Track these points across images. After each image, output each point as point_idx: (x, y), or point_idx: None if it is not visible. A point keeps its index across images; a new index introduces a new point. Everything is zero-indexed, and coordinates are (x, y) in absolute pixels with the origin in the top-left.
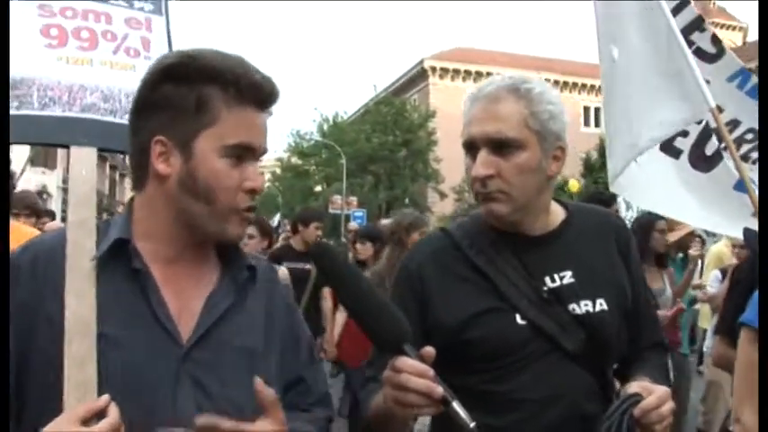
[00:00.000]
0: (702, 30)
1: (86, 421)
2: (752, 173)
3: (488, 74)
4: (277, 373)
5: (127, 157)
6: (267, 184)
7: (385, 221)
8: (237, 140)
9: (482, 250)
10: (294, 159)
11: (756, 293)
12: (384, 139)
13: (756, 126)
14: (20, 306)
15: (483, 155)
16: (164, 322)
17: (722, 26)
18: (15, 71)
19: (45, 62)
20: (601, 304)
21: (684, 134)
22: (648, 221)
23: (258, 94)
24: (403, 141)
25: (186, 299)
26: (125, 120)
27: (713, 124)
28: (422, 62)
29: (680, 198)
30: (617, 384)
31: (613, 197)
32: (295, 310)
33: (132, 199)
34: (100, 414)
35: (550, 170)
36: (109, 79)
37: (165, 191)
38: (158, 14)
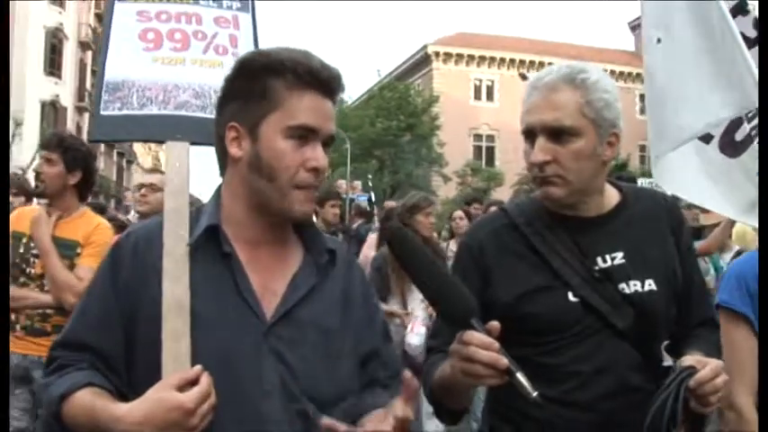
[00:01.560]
0: (745, 13)
1: (181, 389)
2: None
3: (491, 58)
4: (352, 348)
5: (133, 144)
6: None
7: (390, 203)
8: (298, 122)
9: (538, 230)
10: None
11: (731, 272)
12: (388, 124)
13: None
14: (124, 286)
15: (541, 142)
16: (248, 300)
17: None
18: (117, 74)
19: (143, 64)
20: (650, 284)
21: None
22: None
23: (316, 78)
24: (407, 126)
25: (270, 279)
26: (214, 115)
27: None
28: (425, 47)
29: (706, 185)
30: (668, 359)
31: (633, 178)
32: (370, 289)
33: (220, 186)
34: (194, 382)
35: (605, 155)
36: (200, 77)
37: (239, 173)
38: (245, 11)
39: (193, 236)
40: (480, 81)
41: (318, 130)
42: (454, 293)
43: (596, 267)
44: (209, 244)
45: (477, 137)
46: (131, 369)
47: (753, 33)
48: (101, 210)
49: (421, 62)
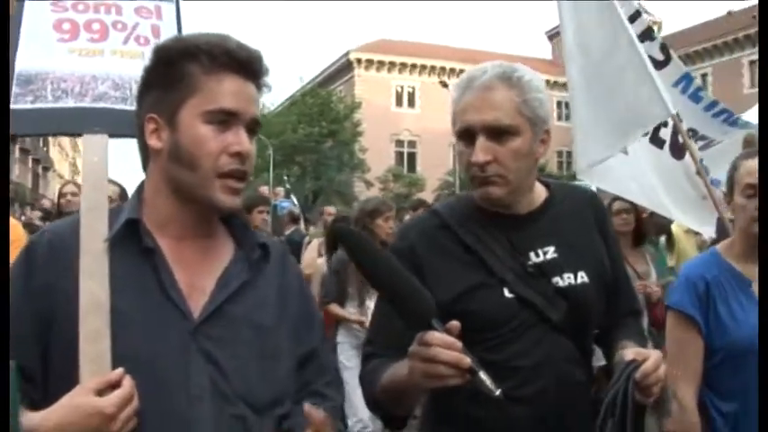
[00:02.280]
0: (652, 39)
1: (100, 393)
2: (700, 151)
3: (413, 65)
4: (290, 347)
5: (49, 150)
6: None
7: (329, 209)
8: (217, 106)
9: (470, 229)
10: None
11: (681, 275)
12: (310, 131)
13: (695, 126)
14: (38, 288)
15: (481, 141)
16: (173, 298)
17: None
18: (30, 66)
19: (58, 56)
20: (582, 277)
21: (665, 125)
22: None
23: (234, 59)
24: (329, 132)
25: (197, 275)
26: (134, 106)
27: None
28: (347, 54)
29: (654, 188)
30: (596, 350)
31: (557, 178)
32: (306, 286)
33: (142, 182)
34: (115, 386)
35: (538, 153)
36: (119, 68)
37: (160, 166)
38: (169, 1)
39: (112, 231)
40: (402, 87)
41: (240, 113)
42: (413, 293)
43: (530, 263)
44: (130, 239)
45: (399, 143)
46: (48, 377)
47: (660, 56)
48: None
49: (343, 69)
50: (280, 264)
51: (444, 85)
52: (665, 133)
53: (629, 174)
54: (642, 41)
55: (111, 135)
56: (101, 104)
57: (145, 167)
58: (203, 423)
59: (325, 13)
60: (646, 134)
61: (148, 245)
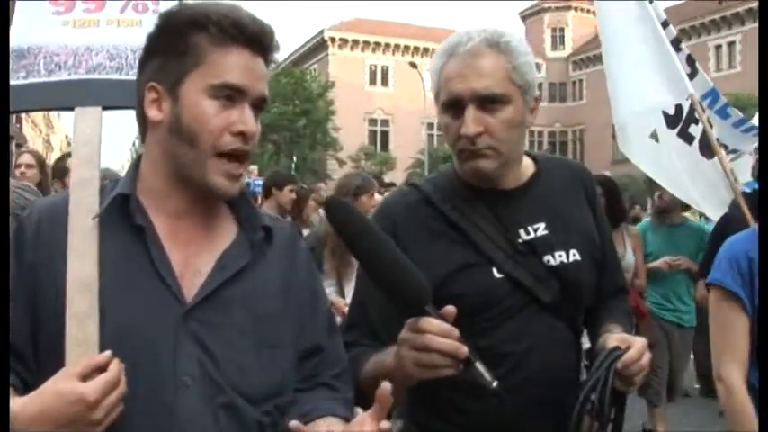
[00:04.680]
0: (679, 50)
1: (85, 377)
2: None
3: (387, 45)
4: (292, 339)
5: (23, 126)
6: None
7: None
8: (222, 80)
9: (456, 205)
10: None
11: (723, 252)
12: (284, 109)
13: (726, 141)
14: (27, 267)
15: (471, 112)
16: (165, 279)
17: (589, 11)
18: (22, 41)
19: (52, 29)
20: (574, 254)
21: (696, 122)
22: None
23: (243, 32)
24: (302, 111)
25: (194, 255)
26: (131, 76)
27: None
28: (322, 33)
29: (681, 176)
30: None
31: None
32: (316, 276)
33: (140, 155)
34: (101, 369)
35: (528, 122)
36: (115, 37)
37: (159, 139)
38: None
39: (101, 206)
40: (375, 66)
41: (247, 90)
42: (407, 276)
43: (519, 240)
44: (121, 216)
45: (372, 121)
46: (38, 356)
47: (687, 69)
48: None
49: (317, 47)
50: (287, 249)
51: (414, 65)
52: (695, 130)
53: (657, 158)
54: None
55: (106, 107)
56: (95, 76)
57: (143, 139)
58: (190, 410)
59: None
60: (674, 127)
61: (139, 222)
